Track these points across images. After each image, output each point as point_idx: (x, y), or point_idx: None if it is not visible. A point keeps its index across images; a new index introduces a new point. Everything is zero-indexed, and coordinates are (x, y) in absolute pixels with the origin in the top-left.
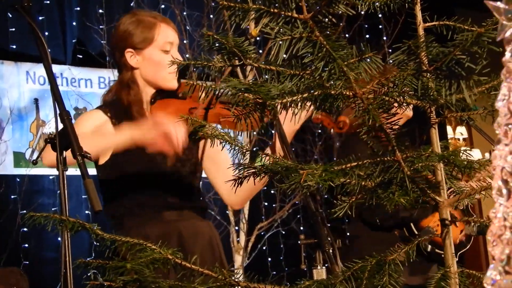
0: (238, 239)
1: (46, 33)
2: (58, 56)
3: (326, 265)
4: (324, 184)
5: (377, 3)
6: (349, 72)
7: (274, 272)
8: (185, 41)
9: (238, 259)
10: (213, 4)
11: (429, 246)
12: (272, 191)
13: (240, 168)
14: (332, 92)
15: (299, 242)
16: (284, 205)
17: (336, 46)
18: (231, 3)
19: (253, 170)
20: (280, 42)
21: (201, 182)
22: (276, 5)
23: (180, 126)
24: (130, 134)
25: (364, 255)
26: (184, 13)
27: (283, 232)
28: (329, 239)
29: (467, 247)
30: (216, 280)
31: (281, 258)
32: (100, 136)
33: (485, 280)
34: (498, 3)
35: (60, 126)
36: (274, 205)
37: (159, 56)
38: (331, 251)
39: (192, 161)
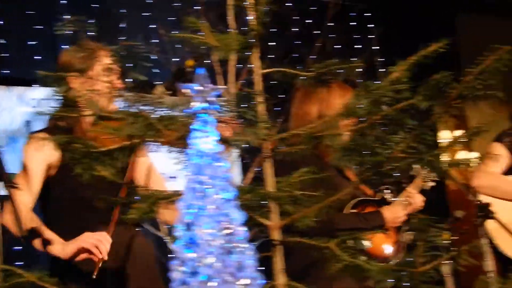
0: None
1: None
2: None
3: None
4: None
5: None
6: (158, 124)
7: None
8: None
9: None
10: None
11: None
12: None
13: None
14: (147, 139)
15: None
16: None
17: (146, 101)
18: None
19: None
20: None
21: None
22: None
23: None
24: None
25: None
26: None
27: None
28: None
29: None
30: None
31: None
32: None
33: None
34: (191, 85)
35: None
36: None
37: (102, 80)
38: None
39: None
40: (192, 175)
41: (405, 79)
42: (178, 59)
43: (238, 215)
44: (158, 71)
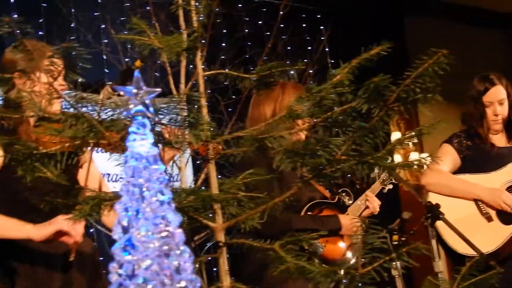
0: None
1: None
2: None
3: None
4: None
5: None
6: (99, 126)
7: None
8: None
9: None
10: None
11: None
12: None
13: None
14: (90, 141)
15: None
16: None
17: (87, 103)
18: None
19: None
20: None
21: None
22: None
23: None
24: (27, 233)
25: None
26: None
27: None
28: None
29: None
30: None
31: None
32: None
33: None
34: (128, 87)
35: None
36: None
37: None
38: None
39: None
40: (129, 178)
41: (347, 81)
42: (128, 59)
43: (176, 218)
44: (107, 71)
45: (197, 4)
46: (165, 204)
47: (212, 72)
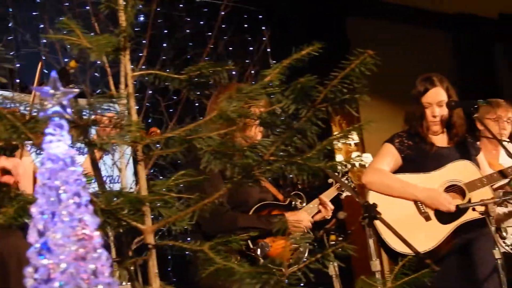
0: None
1: None
2: None
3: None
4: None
5: None
6: (23, 127)
7: None
8: None
9: None
10: None
11: (261, 260)
12: None
13: None
14: (14, 142)
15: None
16: None
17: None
18: None
19: None
20: None
21: None
22: None
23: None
24: None
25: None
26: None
27: None
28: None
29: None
30: None
31: None
32: None
33: None
34: (45, 88)
35: None
36: None
37: None
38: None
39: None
40: (45, 180)
41: (278, 82)
42: (67, 60)
43: (93, 220)
44: (46, 71)
45: (133, 4)
46: (83, 207)
47: (141, 72)
